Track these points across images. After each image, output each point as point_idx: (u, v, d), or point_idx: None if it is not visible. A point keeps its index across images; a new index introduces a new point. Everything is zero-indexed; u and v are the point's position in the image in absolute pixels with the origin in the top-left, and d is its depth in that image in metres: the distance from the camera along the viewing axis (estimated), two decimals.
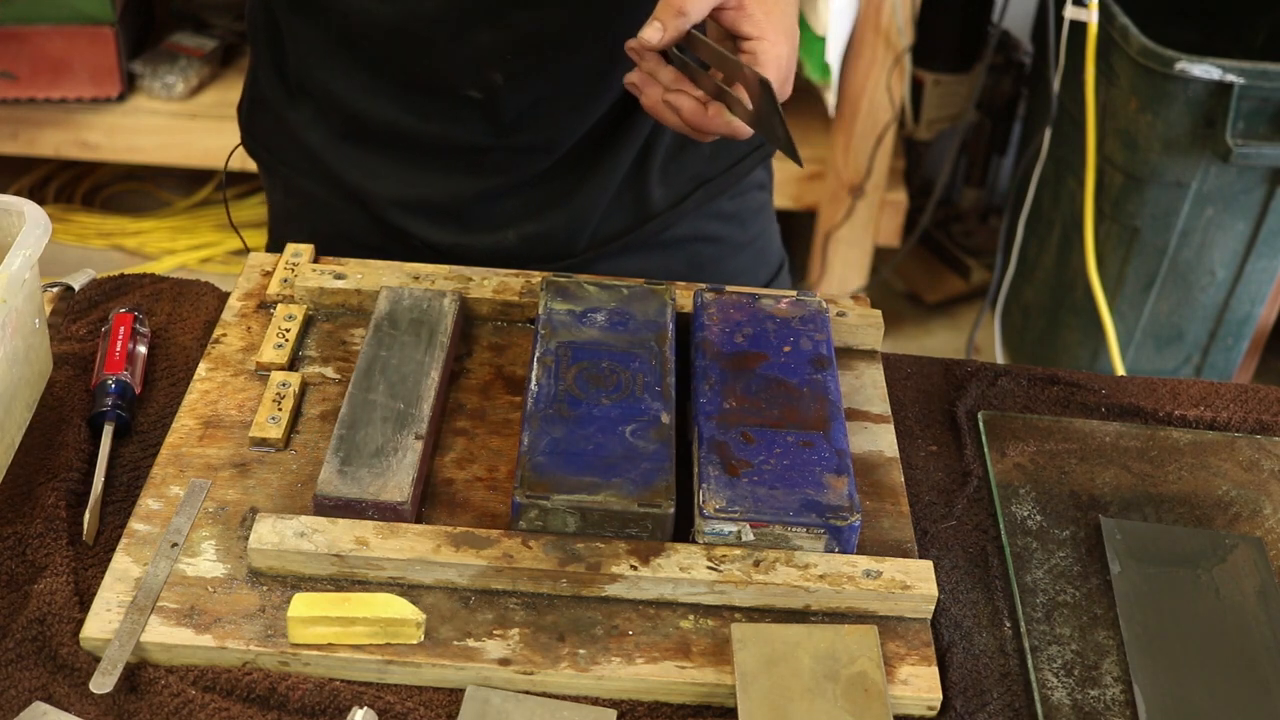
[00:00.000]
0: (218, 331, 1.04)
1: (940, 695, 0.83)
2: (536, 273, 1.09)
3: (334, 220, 1.20)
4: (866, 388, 1.04)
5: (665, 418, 0.93)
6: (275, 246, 1.30)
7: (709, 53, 0.93)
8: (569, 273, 1.06)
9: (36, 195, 2.70)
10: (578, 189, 1.15)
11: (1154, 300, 2.23)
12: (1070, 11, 2.09)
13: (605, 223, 1.18)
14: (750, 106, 0.91)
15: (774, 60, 0.92)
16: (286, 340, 1.02)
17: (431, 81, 1.09)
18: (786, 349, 1.00)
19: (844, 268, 2.53)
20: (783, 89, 0.93)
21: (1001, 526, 0.95)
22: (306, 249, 1.10)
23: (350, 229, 1.20)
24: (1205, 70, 1.97)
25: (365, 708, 0.79)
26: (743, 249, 1.26)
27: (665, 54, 0.95)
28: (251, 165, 1.31)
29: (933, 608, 0.87)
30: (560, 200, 1.16)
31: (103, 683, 0.79)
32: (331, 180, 1.18)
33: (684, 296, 1.07)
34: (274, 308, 1.06)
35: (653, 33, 0.92)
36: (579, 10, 1.05)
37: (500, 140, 1.12)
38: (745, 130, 0.93)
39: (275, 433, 0.94)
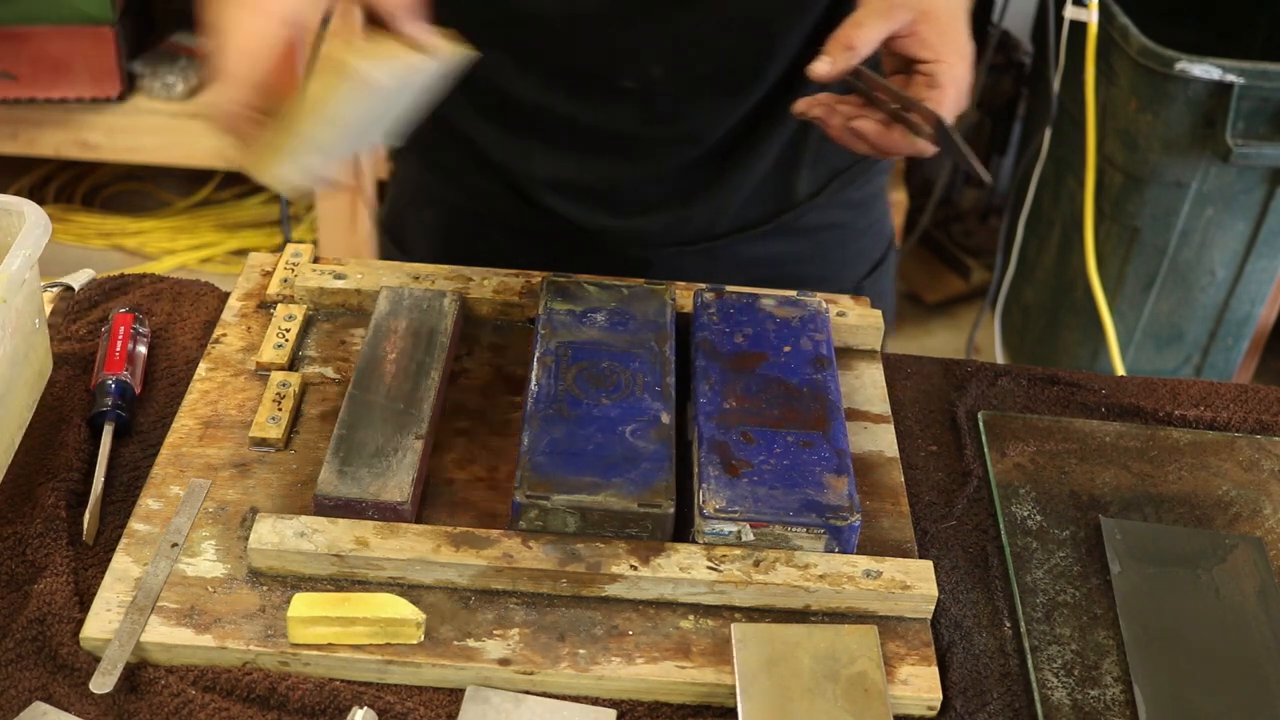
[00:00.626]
0: (218, 331, 1.04)
1: (940, 695, 0.83)
2: (537, 273, 1.09)
3: (476, 197, 1.21)
4: (866, 388, 1.04)
5: (665, 418, 0.93)
6: (394, 225, 1.32)
7: (879, 86, 0.95)
8: (704, 255, 1.09)
9: (36, 195, 2.70)
10: (724, 177, 1.17)
11: (1154, 300, 2.23)
12: (1070, 11, 2.09)
13: (746, 210, 1.20)
14: (929, 129, 0.93)
15: (951, 80, 0.93)
16: (286, 340, 1.02)
17: (589, 71, 1.11)
18: (786, 349, 1.00)
19: None
20: (960, 106, 0.94)
21: (1001, 526, 0.95)
22: (306, 249, 1.10)
23: (493, 206, 1.21)
24: (1205, 70, 1.97)
25: (365, 708, 0.79)
26: (863, 234, 1.29)
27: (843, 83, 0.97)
28: None
29: (933, 608, 0.87)
30: (706, 187, 1.18)
31: (103, 683, 0.79)
32: (478, 157, 1.19)
33: (684, 296, 1.07)
34: (274, 308, 1.06)
35: (823, 66, 0.94)
36: (742, 8, 1.06)
37: (651, 129, 1.13)
38: (930, 149, 0.94)
39: (275, 433, 0.94)
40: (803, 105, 0.98)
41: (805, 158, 1.19)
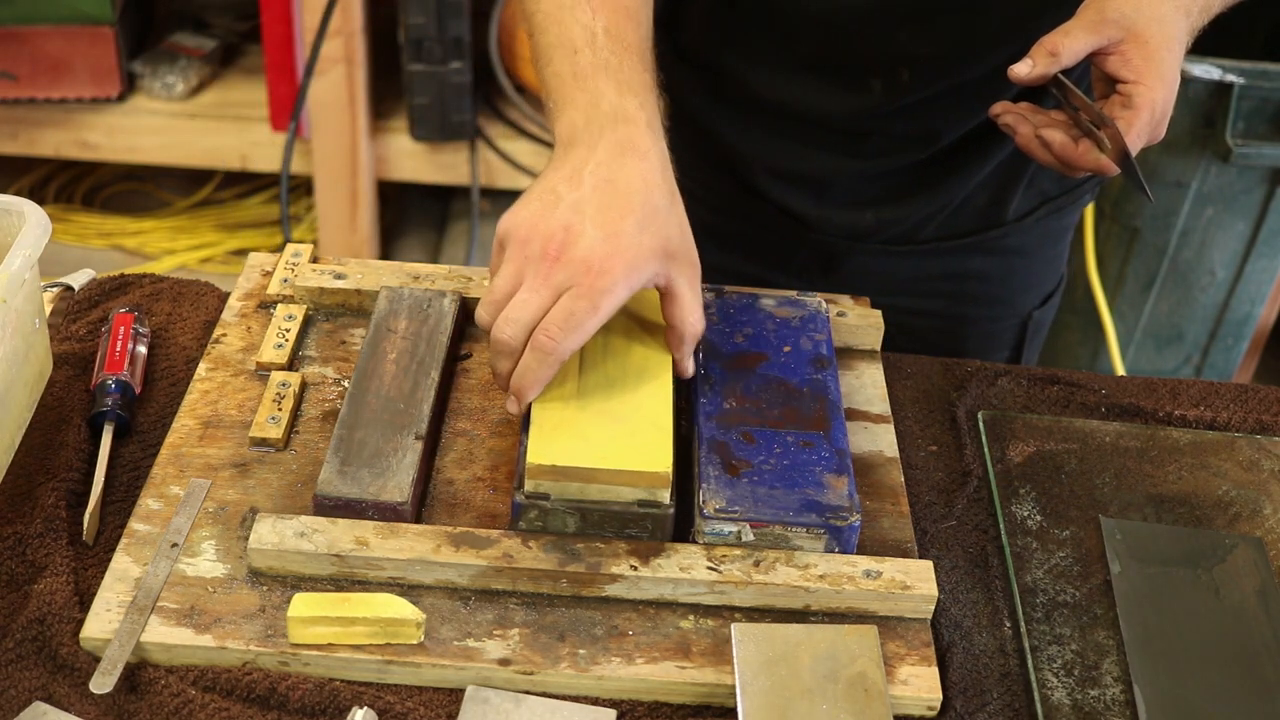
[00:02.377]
0: (218, 331, 1.04)
1: (940, 695, 0.83)
2: None
3: (688, 174, 1.21)
4: (866, 388, 1.04)
5: None
6: None
7: (1076, 97, 0.96)
8: (898, 258, 1.13)
9: (36, 195, 2.70)
10: (941, 183, 1.18)
11: (1154, 300, 2.23)
12: None
13: (955, 220, 1.21)
14: (1114, 148, 0.94)
15: (1147, 104, 0.94)
16: (286, 340, 1.02)
17: (838, 69, 1.12)
18: (786, 349, 1.00)
19: None
20: (1156, 131, 0.96)
21: (1001, 526, 0.95)
22: (306, 249, 1.10)
23: (703, 185, 1.21)
24: (1205, 70, 1.97)
25: (365, 708, 0.79)
26: (1047, 264, 1.31)
27: (1040, 98, 0.99)
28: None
29: (933, 608, 0.87)
30: (923, 189, 1.19)
31: (103, 683, 0.79)
32: (699, 135, 1.20)
33: None
34: (274, 308, 1.06)
35: (1023, 67, 0.96)
36: (1003, 18, 1.06)
37: (885, 127, 1.15)
38: (1113, 168, 0.96)
39: (275, 433, 0.94)
40: (999, 108, 1.01)
41: (1021, 178, 1.20)
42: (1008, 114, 1.00)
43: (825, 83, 1.12)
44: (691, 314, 0.90)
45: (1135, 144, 0.94)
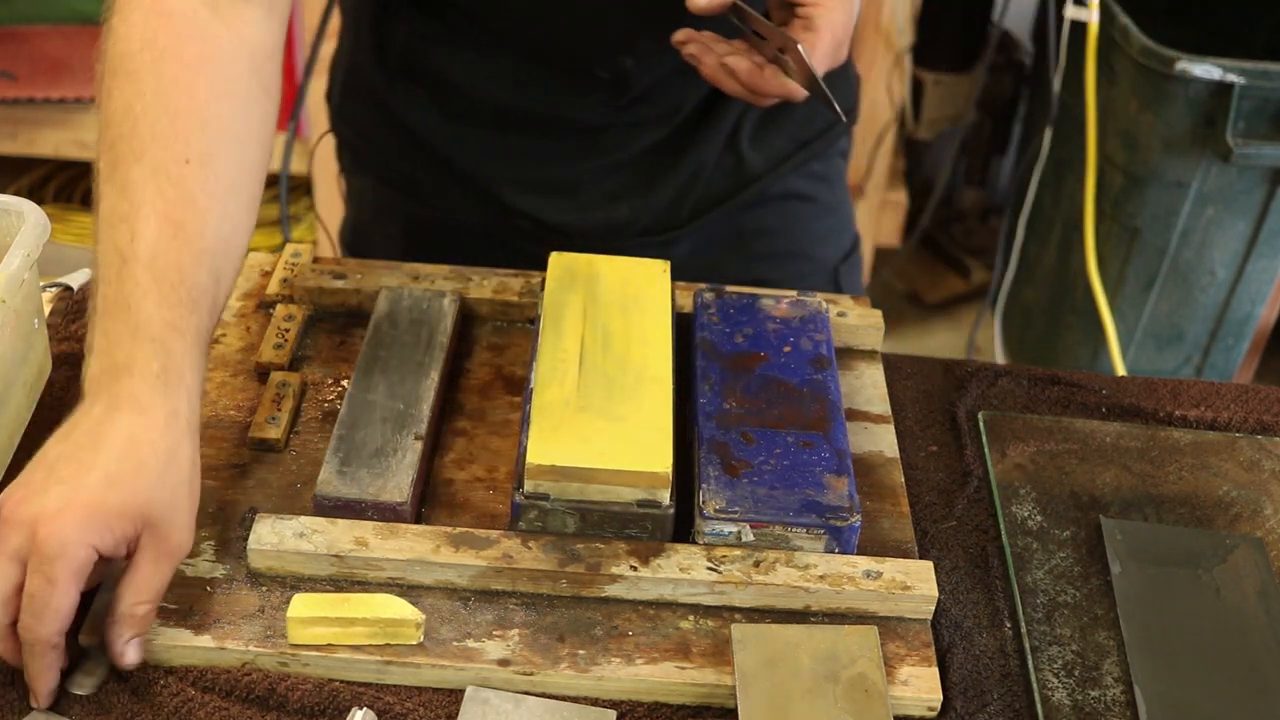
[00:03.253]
0: (217, 331, 1.03)
1: (940, 696, 0.83)
2: (536, 273, 1.08)
3: (436, 204, 1.20)
4: (866, 388, 1.04)
5: None
6: (356, 240, 1.31)
7: (757, 23, 0.95)
8: (673, 244, 1.12)
9: (36, 195, 2.70)
10: (685, 156, 1.17)
11: (1154, 300, 2.23)
12: (1070, 11, 2.08)
13: (708, 188, 1.19)
14: (800, 72, 0.94)
15: (827, 25, 0.93)
16: (286, 340, 1.02)
17: (560, 64, 1.10)
18: (786, 349, 1.00)
19: None
20: (838, 53, 0.95)
21: (1002, 527, 0.95)
22: (306, 249, 1.10)
23: (453, 212, 1.20)
24: (1206, 70, 1.97)
25: (365, 708, 0.79)
26: (831, 212, 1.28)
27: (725, 28, 0.97)
28: None
29: (933, 608, 0.87)
30: (670, 169, 1.17)
31: (83, 683, 0.79)
32: (437, 162, 1.18)
33: (684, 296, 1.06)
34: (273, 308, 1.06)
35: None
36: None
37: (620, 117, 1.13)
38: (800, 92, 0.95)
39: (274, 433, 0.94)
40: (682, 35, 0.98)
41: (762, 125, 1.18)
42: (692, 43, 0.98)
43: (551, 80, 1.10)
44: (137, 592, 0.78)
45: (819, 66, 0.93)
